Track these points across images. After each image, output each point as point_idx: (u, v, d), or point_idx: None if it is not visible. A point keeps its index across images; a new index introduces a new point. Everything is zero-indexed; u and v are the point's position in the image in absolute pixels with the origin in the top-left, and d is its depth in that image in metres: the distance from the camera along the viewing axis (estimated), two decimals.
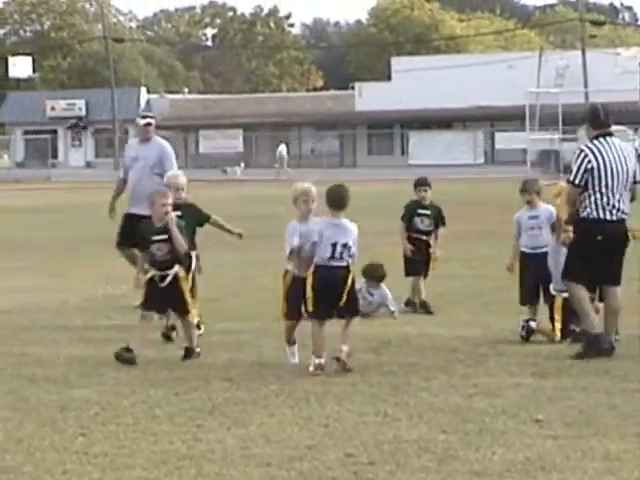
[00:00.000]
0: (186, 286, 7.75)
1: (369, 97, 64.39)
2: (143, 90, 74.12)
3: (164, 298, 7.70)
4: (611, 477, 4.62)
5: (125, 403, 6.30)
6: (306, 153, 68.10)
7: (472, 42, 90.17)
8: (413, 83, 61.44)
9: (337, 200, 7.39)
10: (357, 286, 7.85)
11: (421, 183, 10.88)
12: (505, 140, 58.34)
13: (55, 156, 68.29)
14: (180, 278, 7.69)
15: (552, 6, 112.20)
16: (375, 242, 13.90)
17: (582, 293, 7.73)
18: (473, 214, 22.54)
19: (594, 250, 7.71)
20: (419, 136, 64.50)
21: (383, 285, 9.82)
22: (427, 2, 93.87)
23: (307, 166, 58.76)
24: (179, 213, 8.11)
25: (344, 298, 7.23)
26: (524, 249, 8.71)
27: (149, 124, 11.02)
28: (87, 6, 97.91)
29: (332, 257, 7.20)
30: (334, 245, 7.15)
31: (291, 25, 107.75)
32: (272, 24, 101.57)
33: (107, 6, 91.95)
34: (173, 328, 8.68)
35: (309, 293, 7.23)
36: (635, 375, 6.94)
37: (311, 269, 7.20)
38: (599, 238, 7.68)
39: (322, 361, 7.10)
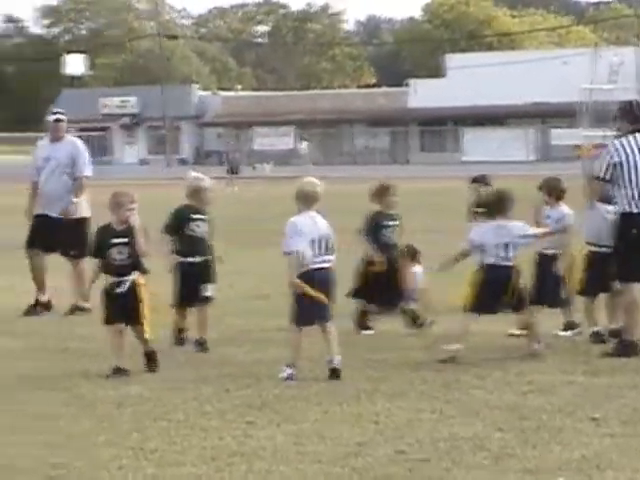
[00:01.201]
0: (144, 294, 7.38)
1: (423, 94, 64.48)
2: (195, 87, 75.25)
3: (122, 306, 7.34)
4: None
5: (176, 400, 6.35)
6: (360, 149, 68.51)
7: (526, 39, 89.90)
8: (467, 80, 61.26)
9: (505, 204, 7.95)
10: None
11: (479, 180, 10.63)
12: (560, 137, 58.45)
13: (108, 154, 69.58)
14: (138, 285, 7.36)
15: (607, 2, 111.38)
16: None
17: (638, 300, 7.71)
18: (526, 211, 22.62)
19: (633, 244, 7.69)
20: (473, 133, 64.95)
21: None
22: None
23: (360, 163, 60.77)
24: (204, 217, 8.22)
25: (512, 294, 7.68)
26: (539, 249, 8.67)
27: (59, 120, 10.46)
28: (140, 4, 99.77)
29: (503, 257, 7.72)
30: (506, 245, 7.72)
31: (344, 22, 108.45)
32: (325, 21, 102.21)
33: (161, 3, 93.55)
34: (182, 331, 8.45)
35: (477, 289, 7.68)
36: None
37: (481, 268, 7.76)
38: (634, 232, 7.66)
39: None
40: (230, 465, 4.88)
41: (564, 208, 8.59)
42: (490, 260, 7.70)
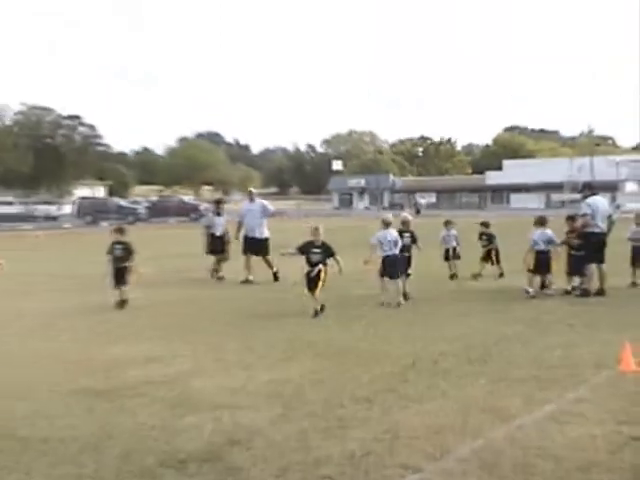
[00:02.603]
0: (324, 275, 12.87)
1: (493, 177, 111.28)
2: (390, 175, 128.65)
3: (312, 280, 12.83)
4: None
5: None
6: (463, 202, 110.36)
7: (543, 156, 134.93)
8: (515, 171, 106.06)
9: (542, 222, 14.80)
10: None
11: (485, 224, 18.51)
12: (558, 197, 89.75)
13: (351, 205, 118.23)
14: (322, 270, 12.85)
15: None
16: None
17: None
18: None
19: None
20: (517, 195, 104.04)
21: None
22: None
23: (463, 208, 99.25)
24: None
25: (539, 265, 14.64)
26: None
27: (251, 192, 19.83)
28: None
29: (543, 247, 14.70)
30: None
31: (456, 146, 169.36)
32: (447, 145, 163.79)
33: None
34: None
35: (533, 262, 14.44)
36: None
37: None
38: None
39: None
40: None
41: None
42: (539, 248, 14.38)
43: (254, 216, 18.53)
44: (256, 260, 18.45)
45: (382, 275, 14.06)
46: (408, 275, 15.02)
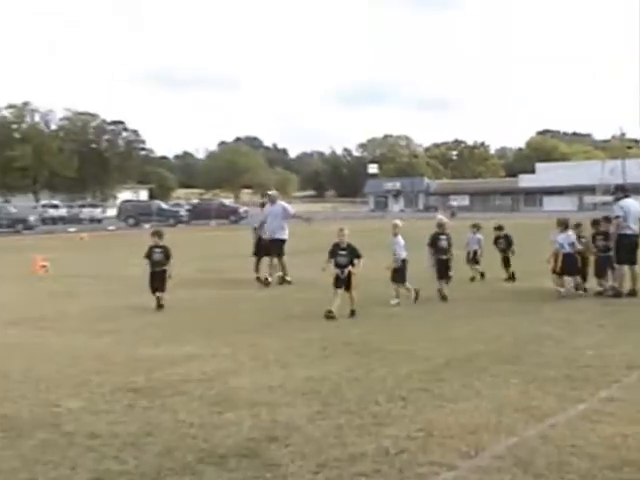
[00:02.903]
0: (354, 277, 12.95)
1: (526, 180, 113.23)
2: (425, 178, 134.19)
3: (343, 281, 12.95)
4: None
5: None
6: (497, 205, 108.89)
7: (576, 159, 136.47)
8: (548, 174, 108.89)
9: (565, 225, 15.23)
10: None
11: (499, 227, 19.13)
12: (591, 199, 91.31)
13: (386, 207, 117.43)
14: (351, 272, 12.94)
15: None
16: None
17: None
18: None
19: None
20: (549, 198, 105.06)
21: None
22: None
23: (497, 211, 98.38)
24: None
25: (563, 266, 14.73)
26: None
27: (270, 194, 20.08)
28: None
29: (569, 249, 14.96)
30: None
31: (489, 150, 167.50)
32: (481, 148, 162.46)
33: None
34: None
35: (559, 263, 14.69)
36: None
37: None
38: None
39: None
40: None
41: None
42: (565, 251, 14.71)
43: (275, 218, 18.73)
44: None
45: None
46: (449, 278, 15.10)
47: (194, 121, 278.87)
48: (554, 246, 15.13)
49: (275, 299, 15.55)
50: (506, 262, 18.46)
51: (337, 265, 13.00)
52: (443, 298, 14.47)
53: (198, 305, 14.87)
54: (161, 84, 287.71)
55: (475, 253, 18.52)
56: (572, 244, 14.93)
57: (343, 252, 12.98)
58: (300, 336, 10.88)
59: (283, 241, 18.63)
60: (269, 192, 20.32)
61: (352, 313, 12.63)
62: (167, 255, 14.58)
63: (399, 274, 14.33)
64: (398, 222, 14.72)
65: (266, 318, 12.86)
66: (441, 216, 16.55)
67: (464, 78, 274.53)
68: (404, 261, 14.42)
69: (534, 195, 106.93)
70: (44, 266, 22.31)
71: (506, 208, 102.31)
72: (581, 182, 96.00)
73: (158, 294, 14.31)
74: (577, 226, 15.85)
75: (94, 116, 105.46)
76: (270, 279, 18.20)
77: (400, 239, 14.43)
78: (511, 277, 18.04)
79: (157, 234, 14.93)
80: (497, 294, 15.69)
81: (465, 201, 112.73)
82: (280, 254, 18.44)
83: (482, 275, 18.26)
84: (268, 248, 18.52)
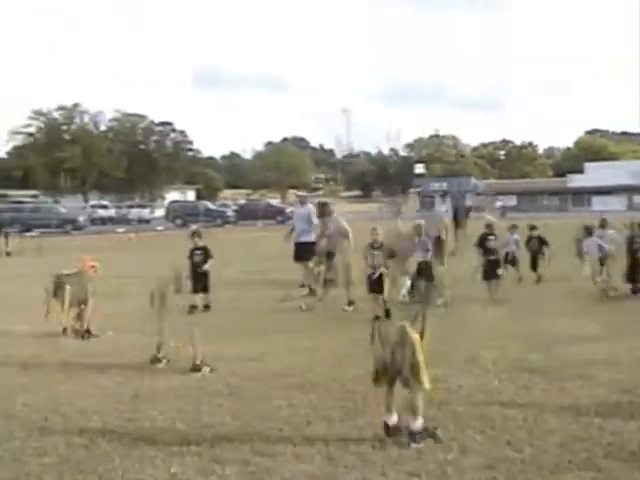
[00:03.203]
0: (385, 279, 12.61)
1: (575, 180, 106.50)
2: (472, 178, 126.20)
3: (375, 282, 12.57)
4: None
5: None
6: (545, 205, 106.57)
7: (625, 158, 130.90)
8: (596, 174, 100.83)
9: (589, 232, 15.46)
10: None
11: (533, 226, 19.13)
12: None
13: (433, 207, 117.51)
14: (383, 273, 12.57)
15: None
16: None
17: None
18: None
19: None
20: (598, 197, 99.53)
21: None
22: None
23: (543, 211, 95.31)
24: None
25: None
26: None
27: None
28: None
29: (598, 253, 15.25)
30: None
31: (537, 150, 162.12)
32: (529, 148, 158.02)
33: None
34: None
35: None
36: None
37: None
38: None
39: None
40: None
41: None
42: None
43: (301, 220, 18.05)
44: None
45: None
46: (498, 277, 14.99)
47: (241, 122, 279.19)
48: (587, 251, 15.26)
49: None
50: (534, 263, 18.32)
51: (370, 265, 12.66)
52: (494, 301, 14.23)
53: (244, 306, 15.03)
54: (208, 85, 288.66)
55: (510, 254, 18.31)
56: (600, 248, 15.09)
57: (376, 252, 12.61)
58: (352, 338, 10.97)
59: (312, 244, 17.08)
60: (299, 193, 19.57)
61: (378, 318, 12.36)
62: (207, 255, 14.48)
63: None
64: (421, 222, 14.40)
65: (318, 320, 13.00)
66: (490, 216, 16.46)
67: (512, 78, 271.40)
68: (427, 262, 13.84)
69: (582, 195, 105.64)
70: (93, 266, 22.52)
71: (554, 208, 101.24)
72: (630, 182, 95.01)
73: (202, 295, 14.24)
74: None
75: (142, 117, 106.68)
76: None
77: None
78: (538, 279, 17.92)
79: (196, 234, 14.79)
80: (543, 294, 15.63)
81: (512, 201, 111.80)
82: (307, 258, 17.21)
83: (519, 279, 17.92)
84: (300, 253, 17.68)
